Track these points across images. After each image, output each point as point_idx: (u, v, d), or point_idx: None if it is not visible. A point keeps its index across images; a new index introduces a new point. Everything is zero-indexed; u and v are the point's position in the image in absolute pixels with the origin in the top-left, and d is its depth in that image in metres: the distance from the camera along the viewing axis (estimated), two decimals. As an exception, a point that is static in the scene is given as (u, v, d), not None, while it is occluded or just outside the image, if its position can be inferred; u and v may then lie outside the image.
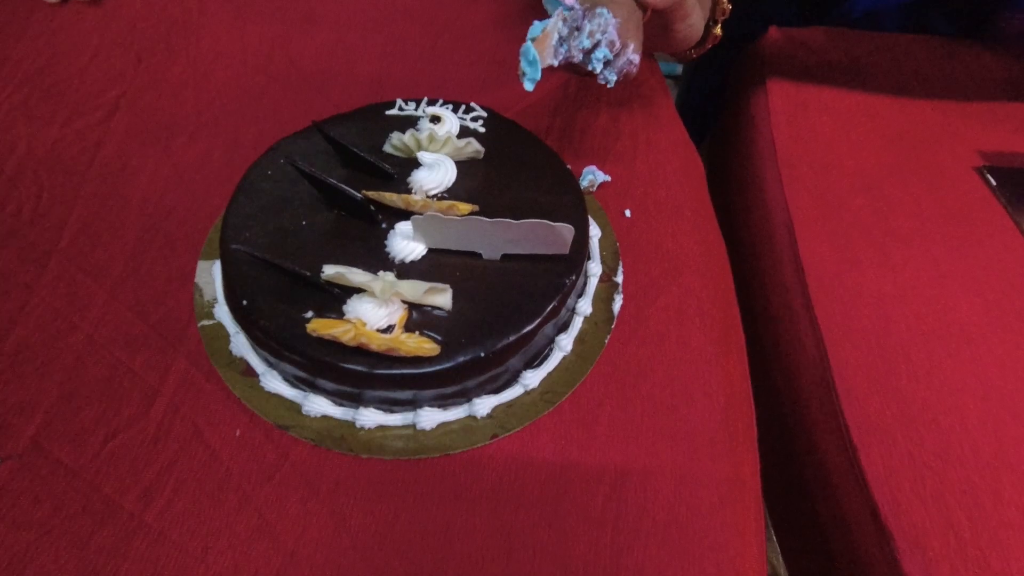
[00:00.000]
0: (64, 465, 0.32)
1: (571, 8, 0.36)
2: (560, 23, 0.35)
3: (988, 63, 0.62)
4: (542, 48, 0.34)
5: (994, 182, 0.52)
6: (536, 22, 0.35)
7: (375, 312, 0.31)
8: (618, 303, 0.39)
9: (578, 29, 0.36)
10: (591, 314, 0.38)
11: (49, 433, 0.33)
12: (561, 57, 0.36)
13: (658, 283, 0.41)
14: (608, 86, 0.38)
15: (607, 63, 0.37)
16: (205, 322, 0.37)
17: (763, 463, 0.37)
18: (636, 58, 0.38)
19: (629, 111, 0.52)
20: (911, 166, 0.53)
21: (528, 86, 0.35)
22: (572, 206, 0.37)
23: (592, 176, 0.44)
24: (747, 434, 0.37)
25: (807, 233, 0.47)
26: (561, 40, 0.36)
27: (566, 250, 0.34)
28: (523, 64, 0.35)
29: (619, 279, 0.40)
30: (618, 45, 0.37)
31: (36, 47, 0.54)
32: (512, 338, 0.33)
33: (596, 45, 0.36)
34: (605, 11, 0.36)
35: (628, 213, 0.45)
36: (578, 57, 0.36)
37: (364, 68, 0.55)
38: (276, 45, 0.57)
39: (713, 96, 0.69)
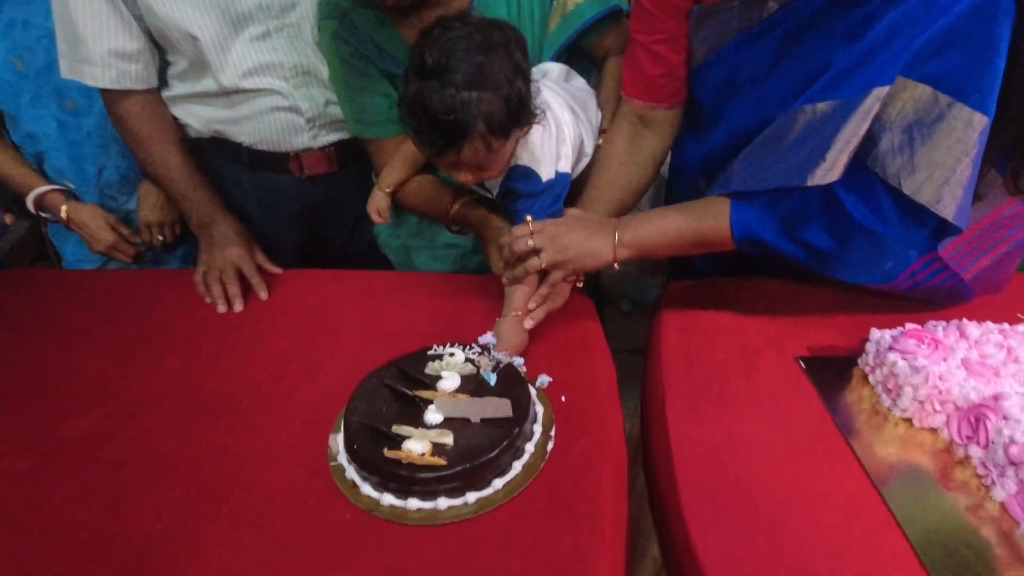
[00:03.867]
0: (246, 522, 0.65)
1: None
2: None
3: (822, 296, 0.95)
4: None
5: (804, 366, 0.83)
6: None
7: (417, 446, 0.65)
8: (550, 446, 0.71)
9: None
10: (534, 451, 0.70)
11: (233, 511, 0.67)
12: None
13: (576, 438, 0.73)
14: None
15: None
16: (333, 463, 0.71)
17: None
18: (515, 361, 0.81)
19: (569, 335, 0.89)
20: (753, 359, 0.85)
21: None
22: (521, 395, 0.72)
23: (542, 380, 0.79)
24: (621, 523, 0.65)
25: (675, 402, 0.78)
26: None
27: (510, 414, 0.68)
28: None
29: (552, 434, 0.73)
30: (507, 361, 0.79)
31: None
32: (483, 460, 0.65)
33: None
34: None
35: (563, 399, 0.78)
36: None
37: (418, 328, 0.95)
38: (364, 314, 0.99)
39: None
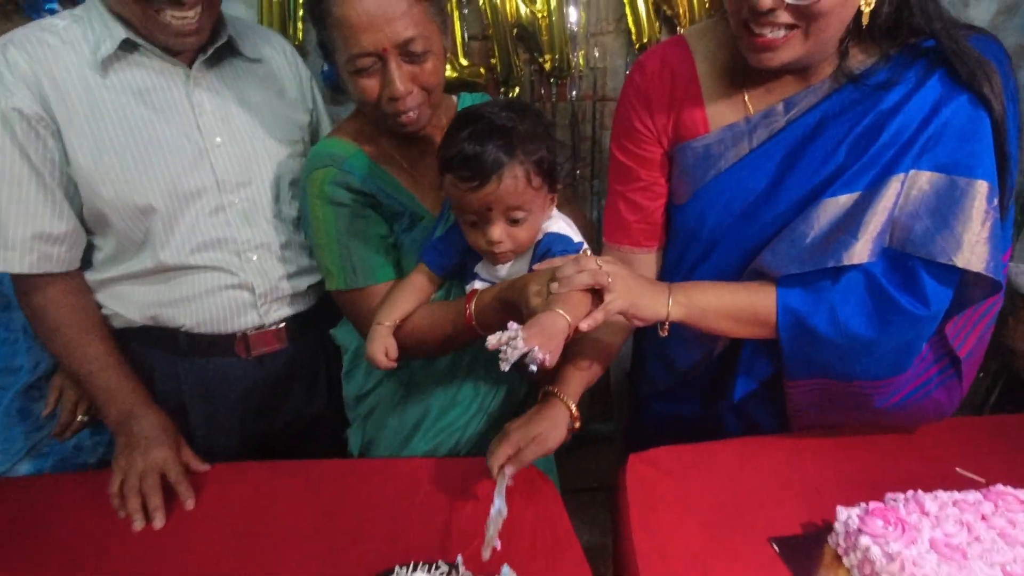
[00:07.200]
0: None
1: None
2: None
3: (776, 460, 0.96)
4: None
5: (777, 548, 0.81)
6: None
7: None
8: None
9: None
10: None
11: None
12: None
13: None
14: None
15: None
16: None
17: None
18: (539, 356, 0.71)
19: (537, 528, 0.84)
20: (726, 542, 0.82)
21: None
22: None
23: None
24: None
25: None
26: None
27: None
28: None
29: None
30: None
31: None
32: None
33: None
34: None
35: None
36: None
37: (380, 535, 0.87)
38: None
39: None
